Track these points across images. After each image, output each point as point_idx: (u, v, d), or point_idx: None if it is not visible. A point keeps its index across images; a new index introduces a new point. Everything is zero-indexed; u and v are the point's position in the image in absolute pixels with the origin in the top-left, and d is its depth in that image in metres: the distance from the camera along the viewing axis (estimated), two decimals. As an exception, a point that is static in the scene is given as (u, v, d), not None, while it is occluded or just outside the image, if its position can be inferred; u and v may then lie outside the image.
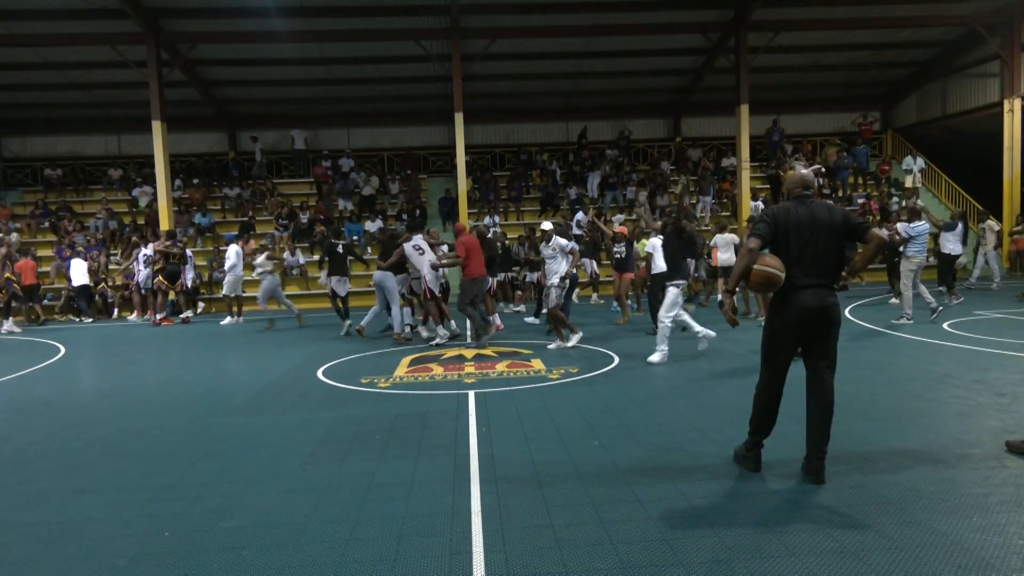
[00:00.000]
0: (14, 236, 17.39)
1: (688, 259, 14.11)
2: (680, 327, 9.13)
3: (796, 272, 4.05)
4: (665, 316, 8.21)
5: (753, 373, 7.22)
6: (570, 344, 9.40)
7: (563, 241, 9.53)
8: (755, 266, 4.08)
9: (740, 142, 18.50)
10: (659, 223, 9.49)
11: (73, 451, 5.38)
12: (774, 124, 21.56)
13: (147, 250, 15.12)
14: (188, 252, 15.79)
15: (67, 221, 19.14)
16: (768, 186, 20.68)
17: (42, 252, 17.74)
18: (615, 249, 12.43)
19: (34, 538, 3.76)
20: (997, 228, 15.18)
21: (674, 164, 21.91)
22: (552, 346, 9.43)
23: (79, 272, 15.48)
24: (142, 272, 15.11)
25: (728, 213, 19.86)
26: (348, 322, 11.78)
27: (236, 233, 15.88)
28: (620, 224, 13.32)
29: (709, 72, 20.47)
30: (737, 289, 4.32)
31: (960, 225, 12.79)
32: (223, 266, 14.69)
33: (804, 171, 4.34)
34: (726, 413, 5.74)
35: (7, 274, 14.64)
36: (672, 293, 8.24)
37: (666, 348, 8.21)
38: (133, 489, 4.44)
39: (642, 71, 20.65)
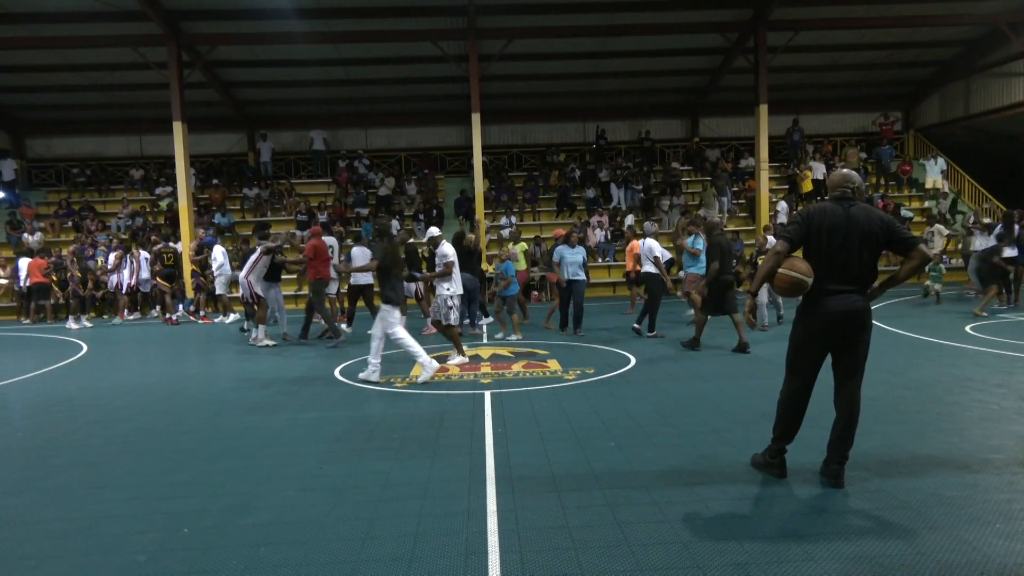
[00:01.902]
0: (38, 235, 17.65)
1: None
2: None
3: (825, 276, 3.90)
4: (376, 334, 7.51)
5: (770, 376, 7.19)
6: (455, 361, 8.45)
7: (446, 249, 8.49)
8: (780, 270, 3.95)
9: (759, 142, 18.34)
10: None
11: (92, 448, 5.44)
12: (794, 124, 21.36)
13: (145, 253, 15.48)
14: (143, 253, 15.55)
15: (90, 220, 19.40)
16: (787, 187, 20.52)
17: (66, 252, 17.94)
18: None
19: (55, 534, 3.80)
20: (946, 233, 14.80)
21: (690, 165, 21.79)
22: (453, 361, 8.49)
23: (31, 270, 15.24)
24: (144, 273, 15.33)
25: (746, 214, 19.73)
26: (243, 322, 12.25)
27: (213, 235, 15.94)
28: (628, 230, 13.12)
29: (727, 72, 20.33)
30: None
31: (1000, 228, 12.51)
32: (241, 266, 14.91)
33: (847, 170, 4.16)
34: (742, 415, 5.69)
35: (76, 271, 14.95)
36: (384, 312, 7.50)
37: (377, 364, 7.55)
38: (151, 486, 4.48)
39: (659, 71, 20.55)
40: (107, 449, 5.39)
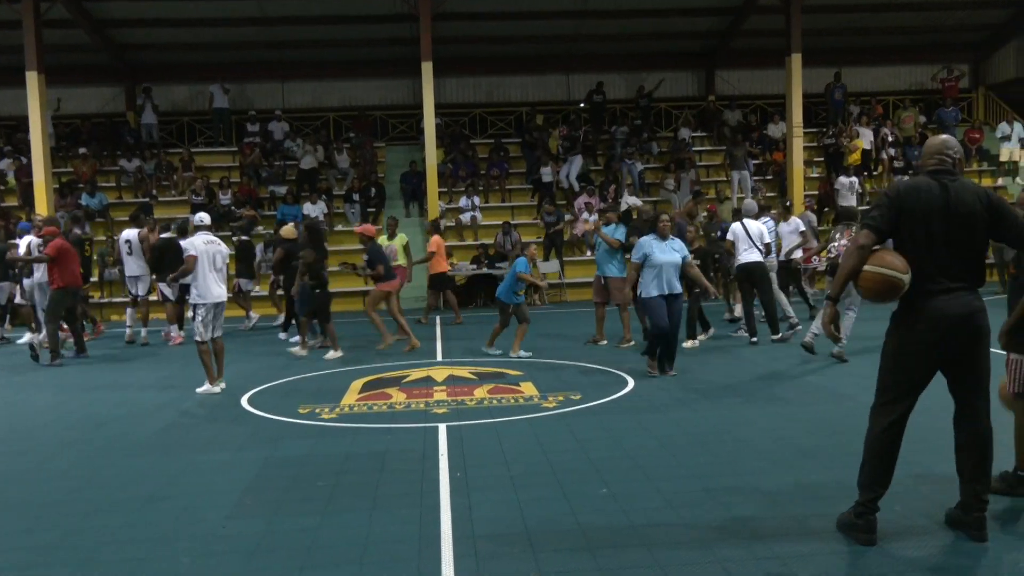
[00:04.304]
0: None
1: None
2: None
3: (929, 271, 3.89)
4: None
5: (807, 402, 7.32)
6: (202, 389, 8.58)
7: (186, 242, 8.35)
8: (867, 267, 3.93)
9: (791, 102, 18.60)
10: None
11: (-76, 503, 5.36)
12: (836, 80, 21.67)
13: None
14: None
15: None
16: (823, 159, 20.80)
17: None
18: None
19: None
20: None
21: (705, 131, 22.00)
22: (200, 389, 8.63)
23: None
24: None
25: (774, 194, 19.98)
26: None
27: (29, 222, 15.38)
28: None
29: (752, 12, 20.55)
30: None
31: None
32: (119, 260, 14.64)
33: (946, 136, 4.16)
34: (773, 452, 5.79)
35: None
36: None
37: None
38: (6, 551, 4.43)
39: (666, 9, 20.67)
40: (-58, 504, 5.31)
